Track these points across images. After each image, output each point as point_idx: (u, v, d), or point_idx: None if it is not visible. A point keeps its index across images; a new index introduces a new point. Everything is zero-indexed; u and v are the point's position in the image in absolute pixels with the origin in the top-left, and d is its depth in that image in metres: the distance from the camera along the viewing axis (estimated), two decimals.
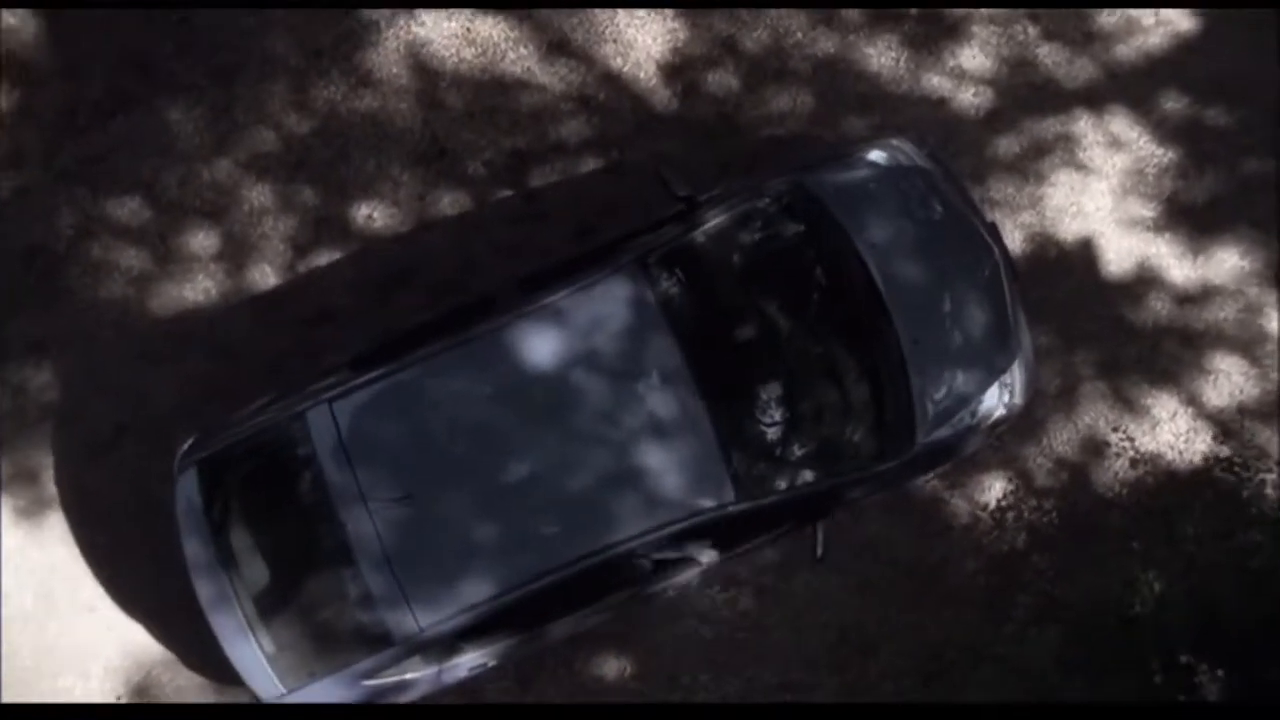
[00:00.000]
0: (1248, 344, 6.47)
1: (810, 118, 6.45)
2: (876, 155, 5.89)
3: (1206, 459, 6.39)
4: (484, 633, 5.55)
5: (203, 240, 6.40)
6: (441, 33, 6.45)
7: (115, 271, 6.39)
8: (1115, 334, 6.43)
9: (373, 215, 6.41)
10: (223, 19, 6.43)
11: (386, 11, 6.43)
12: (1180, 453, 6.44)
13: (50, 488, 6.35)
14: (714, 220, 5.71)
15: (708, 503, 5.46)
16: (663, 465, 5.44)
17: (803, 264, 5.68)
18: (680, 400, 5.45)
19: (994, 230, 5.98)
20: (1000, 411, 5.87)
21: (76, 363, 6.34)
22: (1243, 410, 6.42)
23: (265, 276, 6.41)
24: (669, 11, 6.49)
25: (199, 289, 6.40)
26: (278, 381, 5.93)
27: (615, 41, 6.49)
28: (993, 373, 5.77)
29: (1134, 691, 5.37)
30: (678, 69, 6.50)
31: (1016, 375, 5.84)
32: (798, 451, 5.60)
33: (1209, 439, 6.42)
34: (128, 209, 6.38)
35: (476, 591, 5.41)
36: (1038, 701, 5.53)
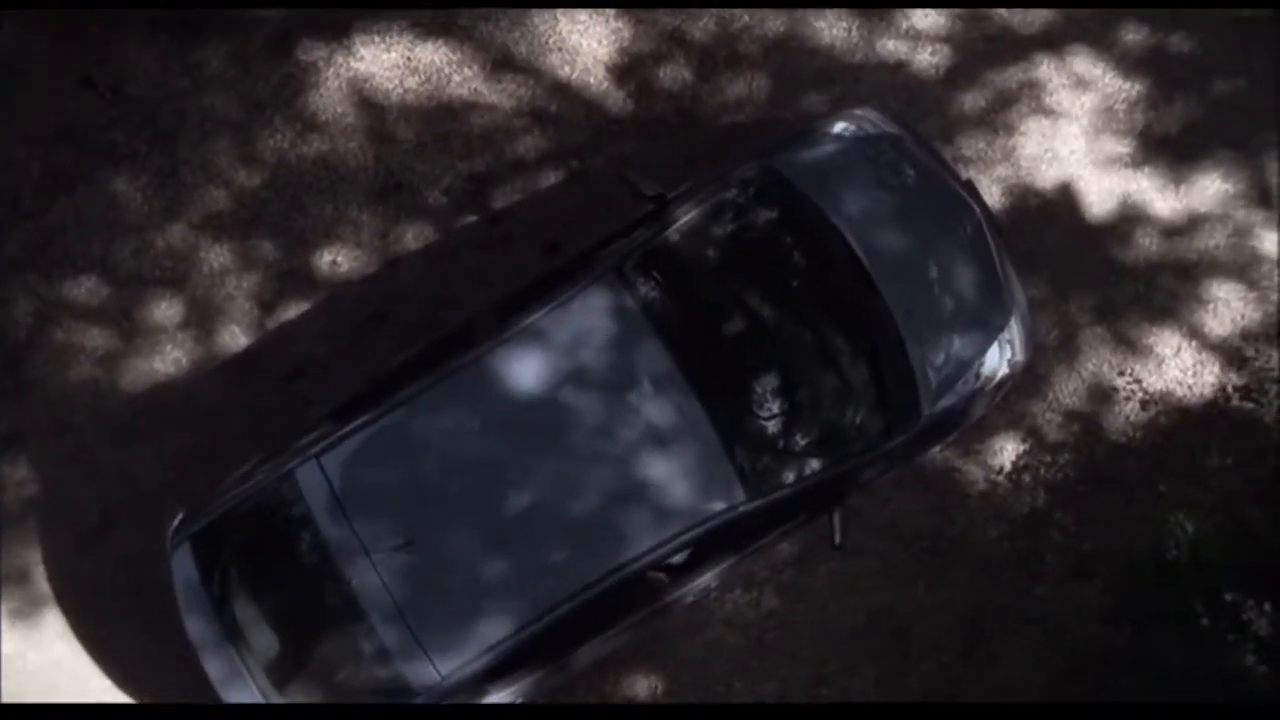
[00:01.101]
0: (1242, 268, 6.42)
1: (769, 100, 6.40)
2: (842, 127, 5.82)
3: (1218, 390, 6.34)
4: (508, 671, 5.44)
5: (166, 310, 6.32)
6: (382, 65, 6.39)
7: (81, 354, 6.30)
8: (1108, 276, 6.39)
9: (336, 260, 6.33)
10: (154, 84, 6.35)
11: (324, 51, 6.37)
12: (1190, 387, 6.39)
13: (43, 584, 6.21)
14: (686, 216, 5.63)
15: (718, 505, 5.37)
16: (667, 473, 5.35)
17: (782, 249, 5.61)
18: (676, 404, 5.37)
19: (971, 188, 5.92)
20: (1003, 371, 5.80)
21: (54, 452, 6.24)
22: (1247, 335, 6.38)
23: (235, 338, 6.32)
24: (610, 12, 6.44)
25: (169, 360, 6.31)
26: (262, 443, 5.83)
27: (560, 50, 6.43)
28: (991, 332, 5.70)
29: (1181, 637, 5.27)
30: (628, 69, 6.44)
31: (1015, 331, 5.77)
32: (802, 441, 5.52)
33: (1217, 369, 6.37)
34: (85, 289, 6.29)
35: (494, 630, 5.29)
36: (1078, 659, 5.39)
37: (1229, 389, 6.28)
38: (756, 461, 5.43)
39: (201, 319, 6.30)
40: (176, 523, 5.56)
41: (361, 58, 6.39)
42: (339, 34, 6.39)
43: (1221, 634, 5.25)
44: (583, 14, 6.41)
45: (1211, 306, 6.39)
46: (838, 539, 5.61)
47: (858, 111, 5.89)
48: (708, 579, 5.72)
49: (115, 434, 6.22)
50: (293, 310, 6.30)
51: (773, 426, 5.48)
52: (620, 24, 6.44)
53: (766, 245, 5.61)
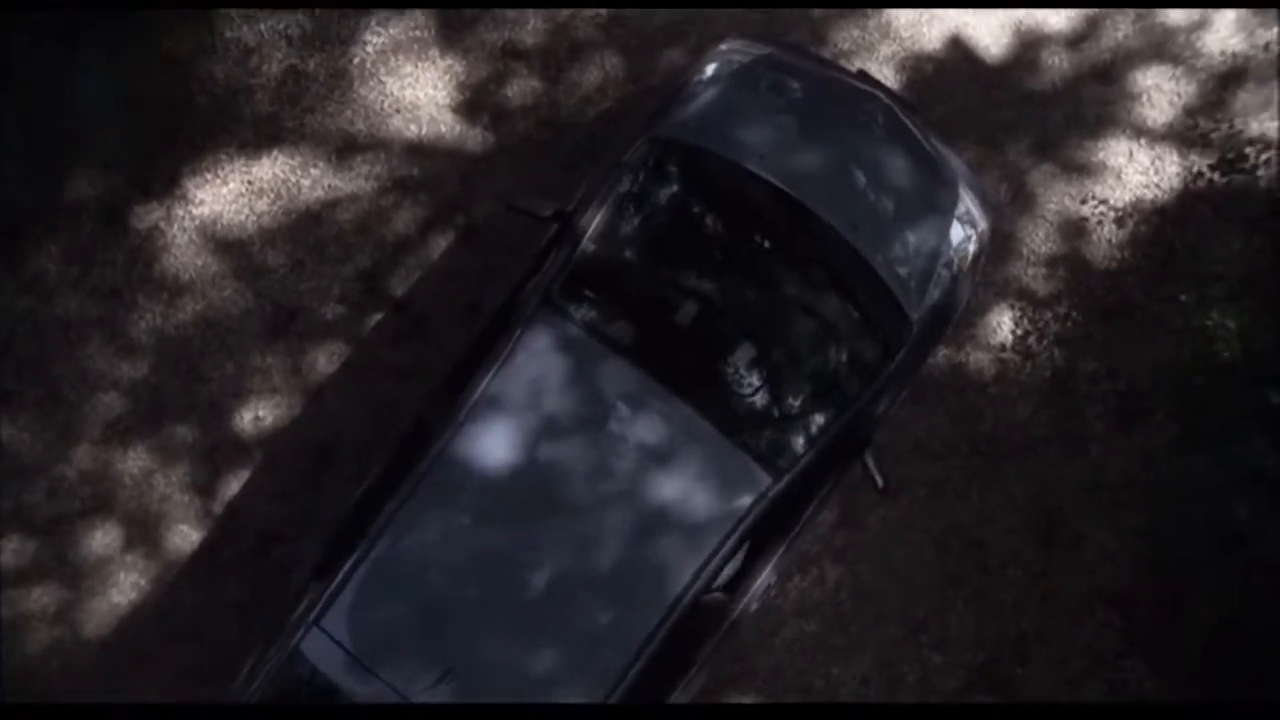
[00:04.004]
0: (1159, 48, 6.32)
1: (629, 75, 6.23)
2: (713, 69, 5.65)
3: (1186, 177, 6.22)
4: None
5: (103, 539, 6.04)
6: (224, 200, 6.18)
7: (33, 621, 5.97)
8: (1032, 109, 6.27)
9: (258, 415, 6.09)
10: None
11: (159, 210, 6.15)
12: (1157, 186, 6.26)
13: None
14: (594, 222, 5.42)
15: (746, 498, 5.16)
16: (682, 488, 5.14)
17: (704, 214, 5.44)
18: (661, 414, 5.16)
19: (865, 77, 5.81)
20: (973, 246, 5.66)
21: None
22: (1191, 112, 6.26)
23: (186, 537, 6.04)
24: (435, 52, 6.27)
25: (127, 588, 6.00)
26: (256, 634, 5.54)
27: (399, 111, 6.25)
28: (945, 213, 5.55)
29: (1269, 433, 5.04)
30: (474, 102, 6.27)
31: (968, 202, 5.63)
32: (804, 399, 5.31)
33: (1176, 157, 6.25)
34: (10, 552, 5.99)
35: None
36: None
37: (1200, 171, 6.17)
38: (767, 439, 5.24)
39: (144, 533, 6.02)
40: None
41: (200, 201, 6.17)
42: (166, 186, 6.17)
43: None
44: (408, 66, 6.25)
45: (1145, 98, 6.29)
46: (880, 482, 5.43)
47: (722, 47, 5.75)
48: (765, 578, 5.47)
49: (101, 683, 5.91)
50: (234, 484, 6.05)
51: (769, 397, 5.29)
52: (449, 60, 6.27)
53: (687, 217, 5.44)
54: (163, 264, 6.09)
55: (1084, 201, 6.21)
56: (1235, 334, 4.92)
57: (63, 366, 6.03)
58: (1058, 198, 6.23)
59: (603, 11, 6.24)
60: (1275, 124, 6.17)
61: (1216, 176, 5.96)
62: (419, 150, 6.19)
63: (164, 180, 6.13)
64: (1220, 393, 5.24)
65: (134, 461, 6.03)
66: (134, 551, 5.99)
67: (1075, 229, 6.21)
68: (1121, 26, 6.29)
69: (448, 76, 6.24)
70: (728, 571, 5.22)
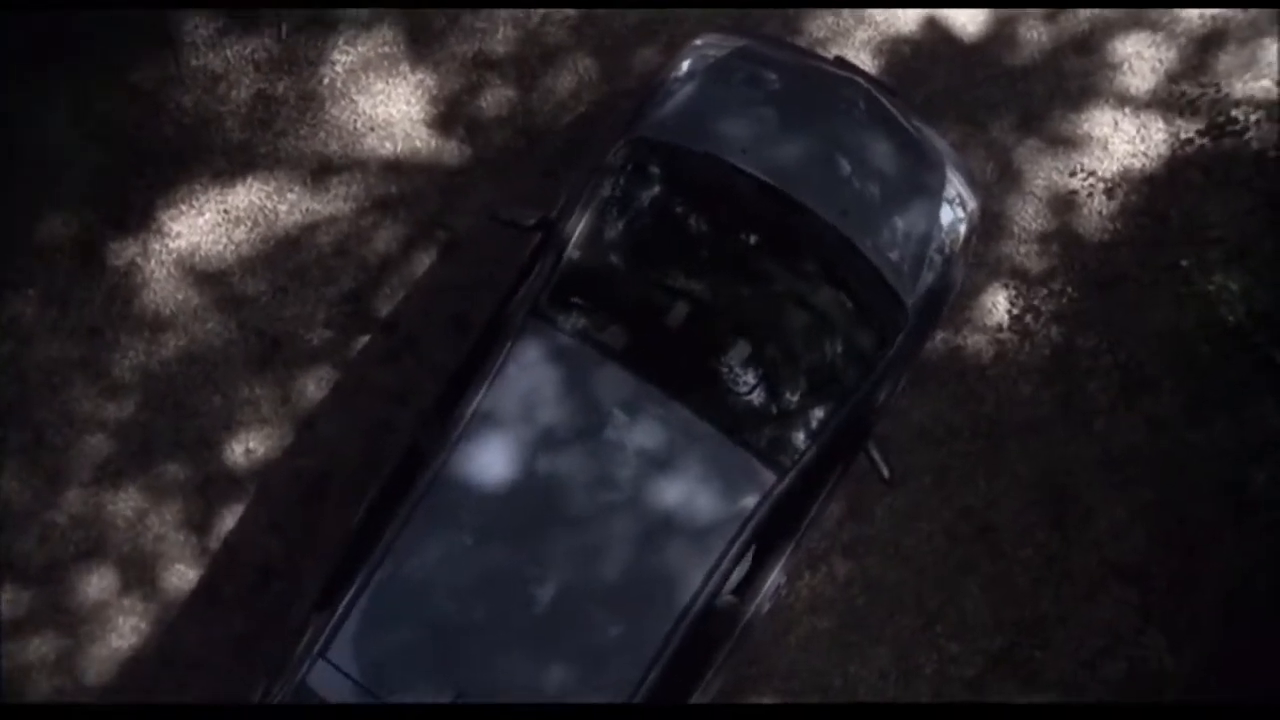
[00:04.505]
0: (1137, 14, 6.28)
1: (603, 77, 6.19)
2: (688, 66, 5.60)
3: (1173, 143, 6.18)
4: None
5: (99, 584, 5.94)
6: (201, 231, 6.10)
7: (33, 671, 5.87)
8: (1013, 85, 6.23)
9: (250, 447, 6.01)
10: None
11: (135, 245, 6.08)
12: (1145, 154, 6.23)
13: None
14: (578, 228, 5.36)
15: (752, 498, 5.10)
16: (686, 492, 5.08)
17: (689, 213, 5.39)
18: (659, 418, 5.10)
19: (843, 63, 5.76)
20: (963, 227, 5.61)
21: None
22: (1174, 77, 6.23)
23: (184, 576, 5.95)
24: (405, 68, 6.21)
25: (127, 631, 5.91)
26: (260, 669, 5.43)
27: (373, 129, 6.19)
28: (933, 195, 5.51)
29: (1278, 405, 4.95)
30: (448, 116, 6.20)
31: (955, 183, 5.59)
32: (803, 392, 5.26)
33: (1162, 124, 6.22)
34: (5, 602, 5.88)
35: None
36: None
37: (1187, 137, 6.14)
38: (768, 436, 5.18)
39: (140, 574, 5.93)
40: None
41: (176, 234, 6.09)
42: (141, 220, 6.09)
43: None
44: (379, 83, 6.19)
45: (1126, 66, 6.25)
46: (885, 472, 5.37)
47: (697, 43, 5.70)
48: (775, 577, 5.41)
49: None
50: (229, 519, 5.96)
51: (767, 393, 5.23)
52: (420, 74, 6.22)
53: (672, 217, 5.38)
54: (142, 300, 6.02)
55: (1072, 175, 6.17)
56: (1239, 296, 4.87)
57: (47, 410, 5.94)
58: (1045, 173, 6.19)
59: (572, 14, 6.19)
60: (1259, 84, 6.14)
61: (1207, 141, 5.94)
62: (396, 167, 6.13)
63: (138, 215, 6.05)
64: (1226, 358, 5.18)
65: (126, 502, 5.94)
66: (132, 594, 5.90)
67: (1065, 203, 6.17)
68: None
69: (420, 91, 6.18)
70: (737, 574, 5.16)
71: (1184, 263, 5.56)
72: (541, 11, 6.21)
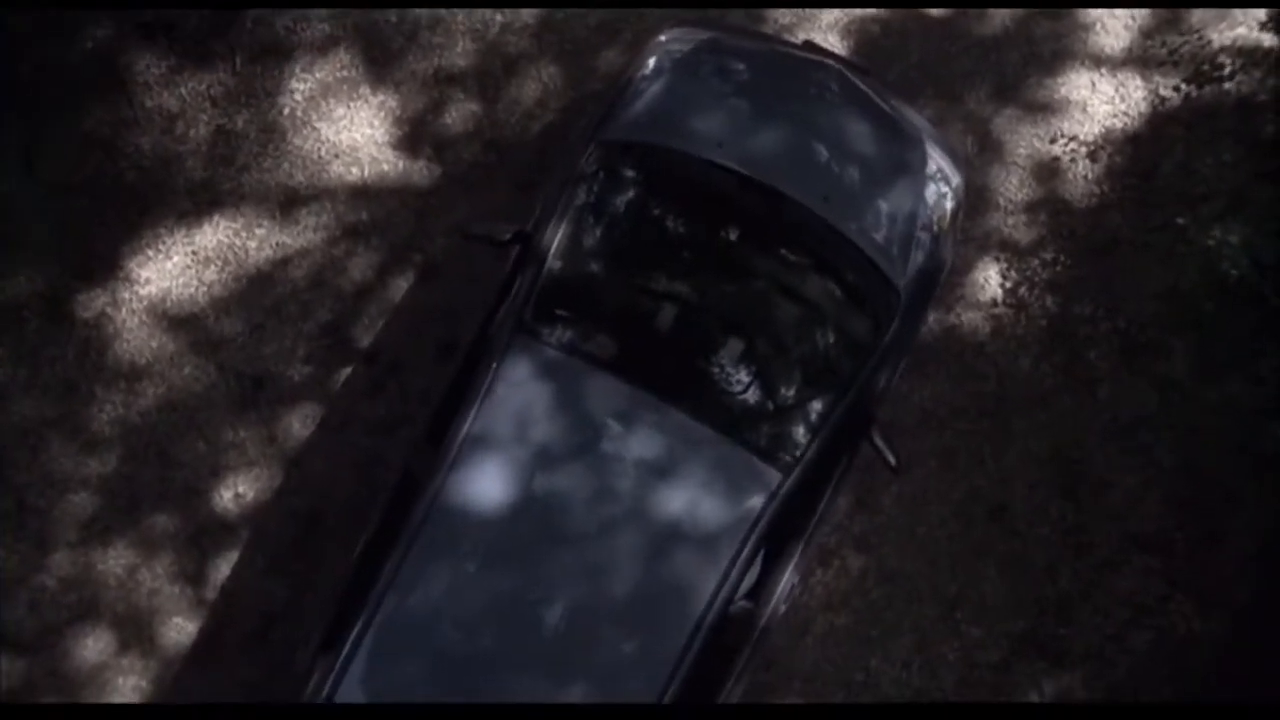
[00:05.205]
0: None
1: (568, 83, 6.12)
2: (654, 63, 5.51)
3: (1153, 100, 6.14)
4: None
5: (95, 645, 5.82)
6: (170, 275, 6.01)
7: None
8: (986, 56, 6.17)
9: (239, 492, 5.91)
10: None
11: (104, 295, 5.97)
12: (1126, 114, 6.17)
13: None
14: (556, 238, 5.26)
15: (758, 499, 5.00)
16: (690, 498, 4.98)
17: (667, 213, 5.30)
18: (655, 425, 5.01)
19: (813, 47, 5.70)
20: (949, 203, 5.53)
21: None
22: (1148, 33, 6.18)
23: (182, 629, 5.83)
24: (366, 89, 6.13)
25: (128, 691, 5.80)
26: None
27: (338, 156, 6.10)
28: (916, 173, 5.43)
29: None
30: (413, 136, 6.13)
31: (937, 159, 5.51)
32: (800, 386, 5.17)
33: (1140, 81, 6.17)
34: (2, 674, 5.76)
35: None
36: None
37: (1165, 93, 6.09)
38: (769, 434, 5.08)
39: (137, 632, 5.82)
40: None
41: (145, 280, 5.99)
42: (108, 270, 5.98)
43: None
44: (340, 109, 6.11)
45: (1098, 26, 6.19)
46: (891, 460, 5.27)
47: (661, 39, 5.61)
48: (788, 578, 5.31)
49: None
50: (224, 566, 5.85)
51: (764, 390, 5.14)
52: (381, 96, 6.13)
53: (651, 218, 5.28)
54: (116, 351, 5.91)
55: (1053, 141, 6.11)
56: (1240, 249, 4.78)
57: (27, 474, 5.83)
58: (1026, 141, 6.13)
59: (529, 21, 6.12)
60: (1235, 32, 6.06)
61: (1191, 91, 5.87)
62: (364, 193, 6.04)
63: (104, 264, 5.95)
64: (1232, 313, 5.09)
65: (116, 560, 5.83)
66: (130, 653, 5.79)
67: (1049, 170, 6.11)
68: None
69: (383, 113, 6.10)
70: (750, 578, 5.05)
71: (1180, 220, 5.49)
72: (500, 21, 6.13)
